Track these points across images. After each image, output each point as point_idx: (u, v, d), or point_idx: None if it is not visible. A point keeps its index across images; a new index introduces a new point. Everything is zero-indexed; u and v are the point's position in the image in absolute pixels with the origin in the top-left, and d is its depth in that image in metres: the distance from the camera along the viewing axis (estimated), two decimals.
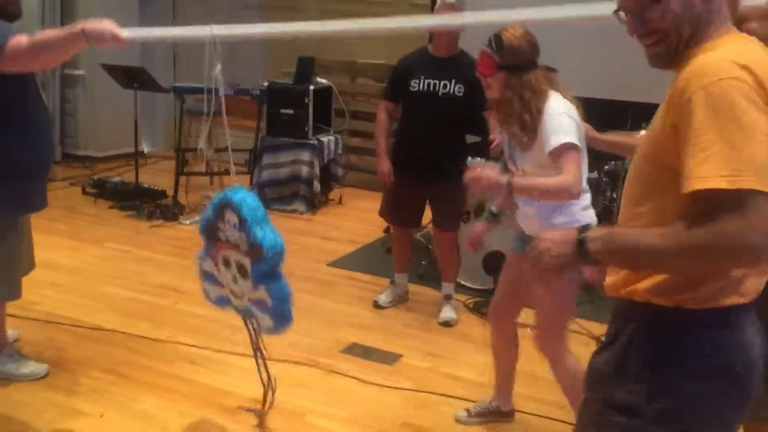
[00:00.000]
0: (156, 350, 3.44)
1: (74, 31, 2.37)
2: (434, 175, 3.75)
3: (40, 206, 2.99)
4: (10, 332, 3.31)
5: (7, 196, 2.77)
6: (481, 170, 2.46)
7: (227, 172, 6.10)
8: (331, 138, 5.98)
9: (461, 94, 3.69)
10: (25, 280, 3.11)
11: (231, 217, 2.36)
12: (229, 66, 8.58)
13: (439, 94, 3.71)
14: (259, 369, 2.76)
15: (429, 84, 3.72)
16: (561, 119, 2.38)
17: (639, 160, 1.46)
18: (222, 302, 2.64)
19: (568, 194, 2.38)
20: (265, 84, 5.91)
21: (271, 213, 5.81)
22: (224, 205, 2.38)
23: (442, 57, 3.75)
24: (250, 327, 2.63)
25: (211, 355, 3.42)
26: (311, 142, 5.76)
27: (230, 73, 8.40)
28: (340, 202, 6.14)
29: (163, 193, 5.77)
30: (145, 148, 7.64)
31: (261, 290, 2.36)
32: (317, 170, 5.74)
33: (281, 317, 2.40)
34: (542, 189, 2.42)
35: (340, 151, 6.10)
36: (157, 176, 6.39)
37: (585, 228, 1.39)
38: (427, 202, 4.00)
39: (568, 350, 2.60)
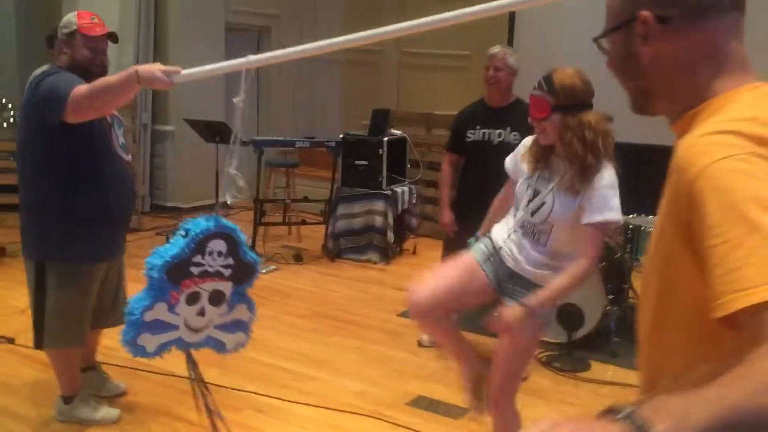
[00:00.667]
0: (224, 397, 3.48)
1: (129, 73, 2.42)
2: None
3: (108, 256, 3.05)
4: (118, 384, 3.46)
5: (70, 245, 2.87)
6: (510, 317, 2.31)
7: (304, 222, 6.27)
8: (405, 188, 6.03)
9: (517, 141, 3.70)
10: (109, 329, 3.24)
11: (216, 246, 2.26)
12: (309, 118, 9.00)
13: (494, 142, 3.80)
14: (204, 398, 2.64)
15: (484, 133, 3.83)
16: (615, 193, 2.34)
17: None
18: (163, 349, 2.41)
19: (587, 277, 2.37)
20: (341, 136, 6.04)
21: (345, 263, 5.99)
22: (207, 237, 2.25)
23: (496, 107, 3.86)
24: (191, 362, 2.52)
25: (278, 404, 3.44)
26: (385, 192, 5.81)
27: (309, 126, 8.73)
28: (414, 252, 6.15)
29: None
30: (229, 200, 7.91)
31: (240, 308, 2.40)
32: (391, 220, 5.78)
33: (249, 330, 2.48)
34: (567, 286, 2.32)
35: (414, 202, 6.14)
36: (238, 226, 6.57)
37: (625, 414, 0.81)
38: None
39: (515, 404, 2.59)
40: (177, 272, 2.25)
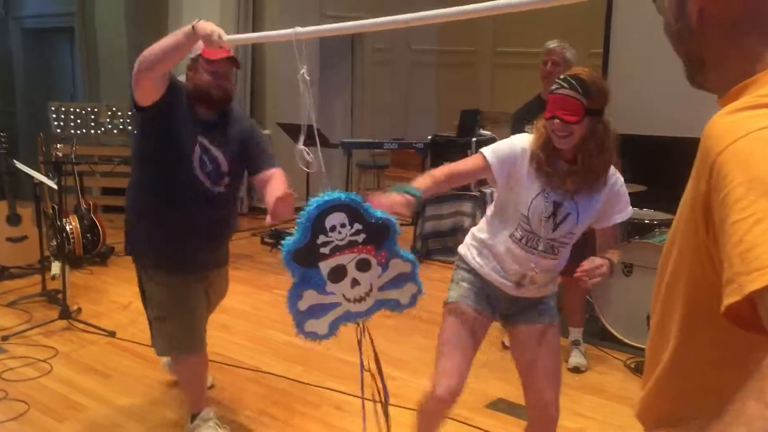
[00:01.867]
0: (304, 393, 3.57)
1: (186, 29, 2.43)
2: None
3: (182, 270, 2.94)
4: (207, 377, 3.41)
5: (148, 254, 2.94)
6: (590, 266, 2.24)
7: None
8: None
9: None
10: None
11: (335, 219, 2.17)
12: (403, 120, 9.05)
13: None
14: (379, 376, 2.60)
15: None
16: (626, 192, 2.36)
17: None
18: (336, 326, 2.41)
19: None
20: (429, 137, 6.04)
21: (433, 264, 5.98)
22: (321, 214, 2.19)
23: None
24: (366, 333, 2.47)
25: (356, 402, 3.47)
26: (473, 193, 5.77)
27: (403, 127, 8.78)
28: None
29: None
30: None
31: (396, 263, 2.27)
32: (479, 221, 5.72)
33: (418, 278, 2.32)
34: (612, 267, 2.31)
35: None
36: (349, 192, 6.72)
37: None
38: None
39: None
40: (307, 257, 2.25)
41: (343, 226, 2.18)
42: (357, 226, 2.18)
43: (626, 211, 2.35)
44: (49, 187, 5.08)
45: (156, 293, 2.97)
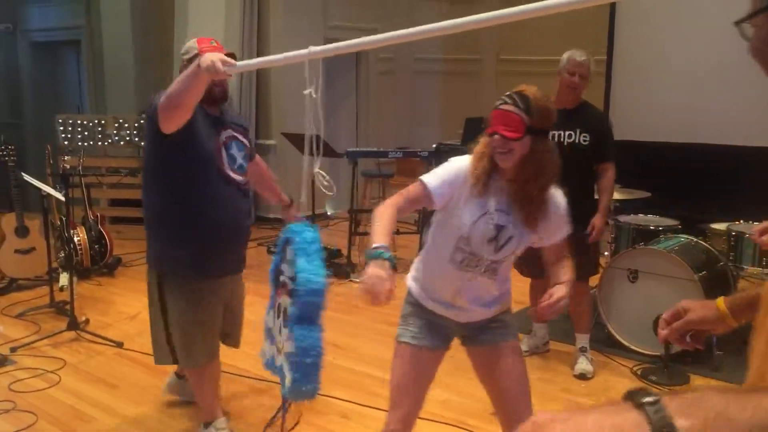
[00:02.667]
0: (311, 402, 3.55)
1: (194, 65, 2.49)
2: None
3: (215, 273, 3.01)
4: None
5: (174, 259, 2.94)
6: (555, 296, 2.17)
7: (398, 232, 6.31)
8: None
9: (586, 142, 3.75)
10: None
11: (290, 253, 2.14)
12: (409, 129, 9.07)
13: (565, 143, 3.73)
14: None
15: (554, 135, 3.74)
16: (565, 209, 2.31)
17: None
18: (270, 365, 2.29)
19: None
20: (434, 145, 6.06)
21: None
22: (286, 242, 2.18)
23: (566, 109, 3.74)
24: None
25: (363, 410, 3.49)
26: None
27: (409, 136, 8.80)
28: None
29: (338, 252, 6.06)
30: (329, 210, 8.10)
31: (291, 336, 2.06)
32: None
33: (303, 375, 2.04)
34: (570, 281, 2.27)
35: None
36: (335, 236, 6.73)
37: (648, 400, 0.70)
38: None
39: None
40: (276, 280, 2.24)
41: (289, 263, 2.12)
42: (291, 270, 2.08)
43: (566, 229, 2.30)
44: (57, 199, 5.12)
45: (179, 304, 2.97)
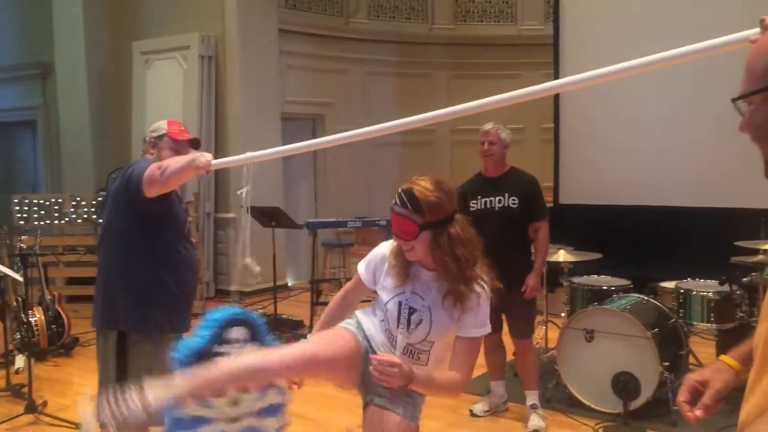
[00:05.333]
0: None
1: (187, 159, 2.75)
2: (502, 284, 3.85)
3: (178, 330, 3.16)
4: None
5: (143, 316, 3.04)
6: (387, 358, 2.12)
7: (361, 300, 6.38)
8: None
9: (516, 205, 4.01)
10: None
11: (236, 333, 2.26)
12: (367, 199, 9.20)
13: (496, 208, 4.01)
14: None
15: (486, 202, 4.04)
16: (488, 306, 2.25)
17: None
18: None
19: (457, 393, 2.29)
20: None
21: None
22: (228, 323, 2.27)
23: (494, 176, 4.09)
24: None
25: None
26: None
27: (368, 206, 8.93)
28: None
29: (300, 323, 6.07)
30: (290, 281, 8.12)
31: (270, 393, 2.34)
32: None
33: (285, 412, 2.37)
34: (438, 386, 2.22)
35: None
36: (297, 307, 6.75)
37: None
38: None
39: None
40: (198, 361, 2.25)
41: (244, 341, 2.27)
42: (255, 345, 2.27)
43: (481, 329, 2.24)
44: (13, 280, 5.06)
45: (141, 361, 3.03)
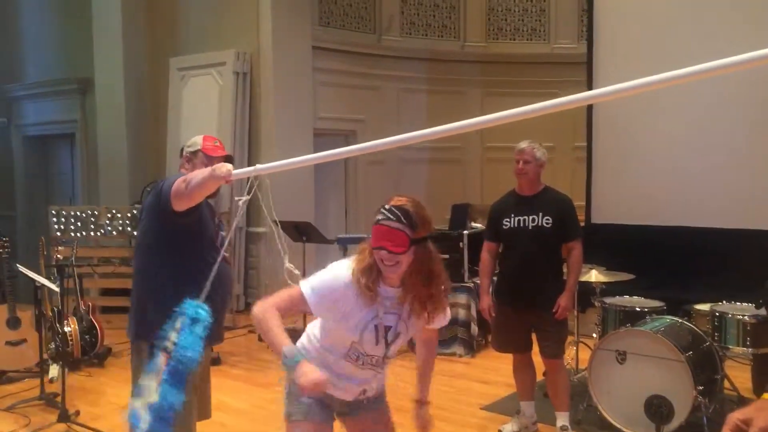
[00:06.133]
0: None
1: (211, 171, 2.70)
2: (534, 303, 3.98)
3: (210, 343, 3.13)
4: None
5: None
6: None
7: None
8: None
9: (549, 225, 3.98)
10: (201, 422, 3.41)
11: (179, 323, 2.27)
12: None
13: (530, 227, 3.98)
14: None
15: (519, 221, 4.02)
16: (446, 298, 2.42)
17: None
18: (131, 416, 2.32)
19: None
20: None
21: None
22: (180, 314, 2.30)
23: (528, 195, 4.06)
24: None
25: None
26: (467, 285, 5.87)
27: None
28: None
29: None
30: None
31: (158, 390, 2.21)
32: (474, 313, 5.80)
33: (157, 424, 2.16)
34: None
35: None
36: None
37: None
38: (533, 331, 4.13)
39: None
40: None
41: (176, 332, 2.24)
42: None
43: (444, 321, 2.44)
44: (49, 290, 5.16)
45: None
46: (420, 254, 2.23)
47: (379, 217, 2.24)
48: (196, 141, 3.27)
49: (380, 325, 2.29)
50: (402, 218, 2.21)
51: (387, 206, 2.24)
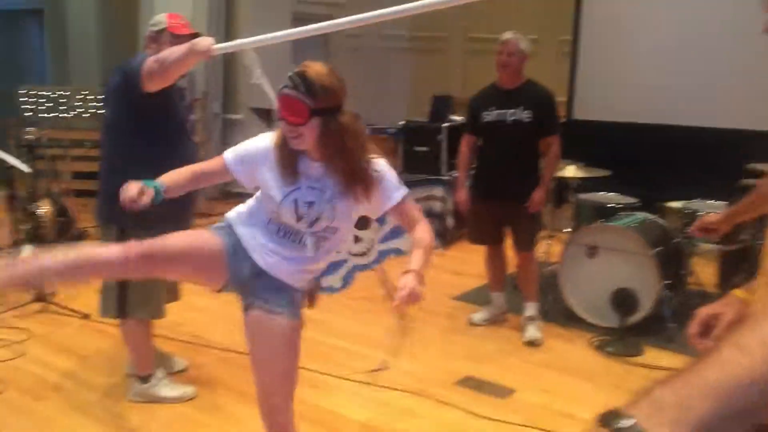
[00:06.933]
0: None
1: (190, 46, 2.61)
2: (509, 196, 4.02)
3: (180, 227, 2.94)
4: (179, 361, 3.66)
5: (144, 216, 3.02)
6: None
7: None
8: None
9: (530, 119, 3.95)
10: (175, 304, 3.47)
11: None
12: (378, 107, 9.06)
13: (508, 121, 3.96)
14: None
15: (498, 114, 3.99)
16: (391, 170, 2.24)
17: None
18: (347, 281, 2.69)
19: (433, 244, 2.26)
20: (401, 123, 6.13)
21: None
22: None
23: (508, 88, 4.01)
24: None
25: (331, 381, 3.58)
26: (444, 178, 5.87)
27: (379, 113, 8.81)
28: None
29: None
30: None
31: (386, 224, 2.61)
32: (450, 206, 5.83)
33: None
34: (428, 257, 2.16)
35: None
36: None
37: (623, 426, 0.66)
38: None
39: (293, 425, 2.36)
40: None
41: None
42: None
43: (397, 194, 2.21)
44: (21, 172, 5.06)
45: None
46: (326, 128, 2.08)
47: (282, 85, 2.09)
48: (161, 19, 3.09)
49: (300, 201, 2.16)
50: (300, 86, 2.05)
51: (291, 72, 2.08)
